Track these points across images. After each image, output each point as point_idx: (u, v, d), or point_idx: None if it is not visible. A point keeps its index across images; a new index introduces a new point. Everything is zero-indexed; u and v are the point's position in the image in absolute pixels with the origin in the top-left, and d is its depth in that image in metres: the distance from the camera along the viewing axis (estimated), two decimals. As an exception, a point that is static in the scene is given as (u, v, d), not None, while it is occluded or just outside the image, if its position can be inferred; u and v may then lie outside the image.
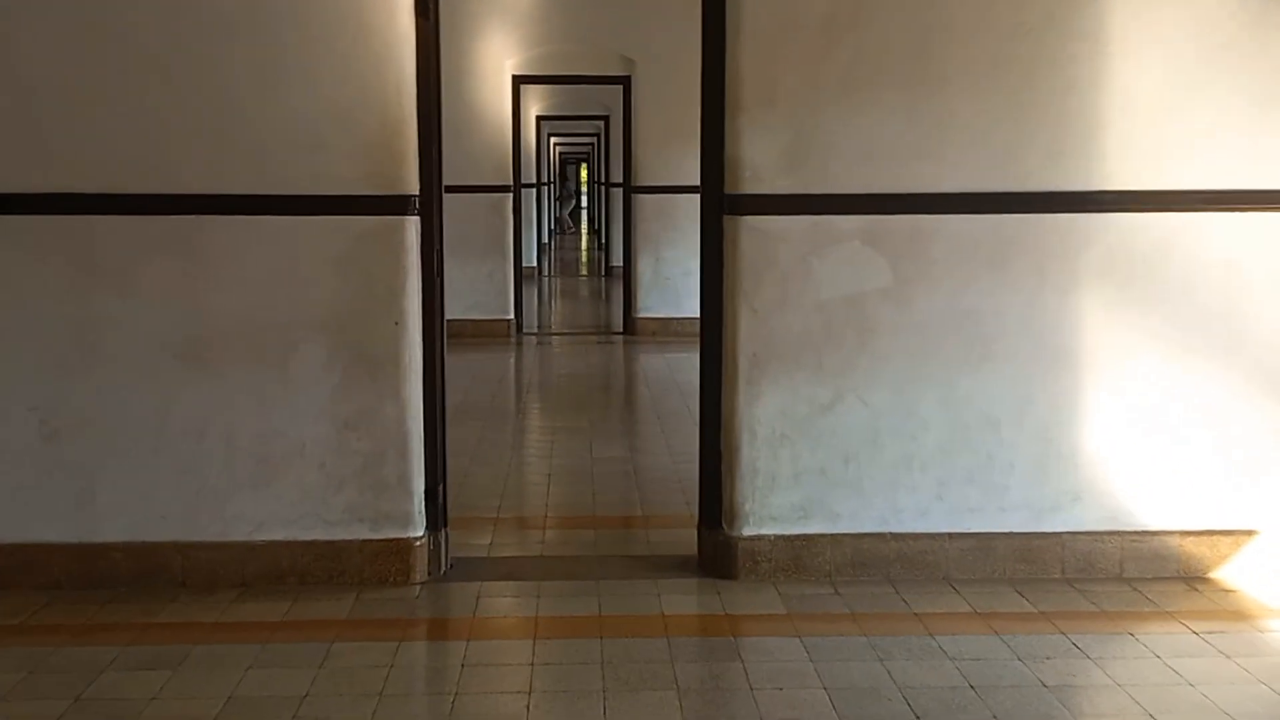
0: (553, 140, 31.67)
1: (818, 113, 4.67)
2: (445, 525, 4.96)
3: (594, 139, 26.18)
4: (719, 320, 4.89)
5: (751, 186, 4.72)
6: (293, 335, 4.67)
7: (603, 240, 24.28)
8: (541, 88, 19.32)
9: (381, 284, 4.66)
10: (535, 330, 13.07)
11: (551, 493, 6.22)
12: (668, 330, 12.28)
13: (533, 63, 12.74)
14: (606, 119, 20.05)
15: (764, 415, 4.77)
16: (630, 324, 12.44)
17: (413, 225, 4.70)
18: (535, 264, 20.05)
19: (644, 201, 12.28)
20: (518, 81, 12.45)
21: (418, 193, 4.72)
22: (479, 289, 12.24)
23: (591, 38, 12.82)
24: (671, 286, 12.32)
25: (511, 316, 12.34)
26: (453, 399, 9.11)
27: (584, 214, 47.54)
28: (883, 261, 4.73)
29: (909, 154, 4.69)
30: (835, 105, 4.67)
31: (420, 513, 4.81)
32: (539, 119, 20.58)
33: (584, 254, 28.64)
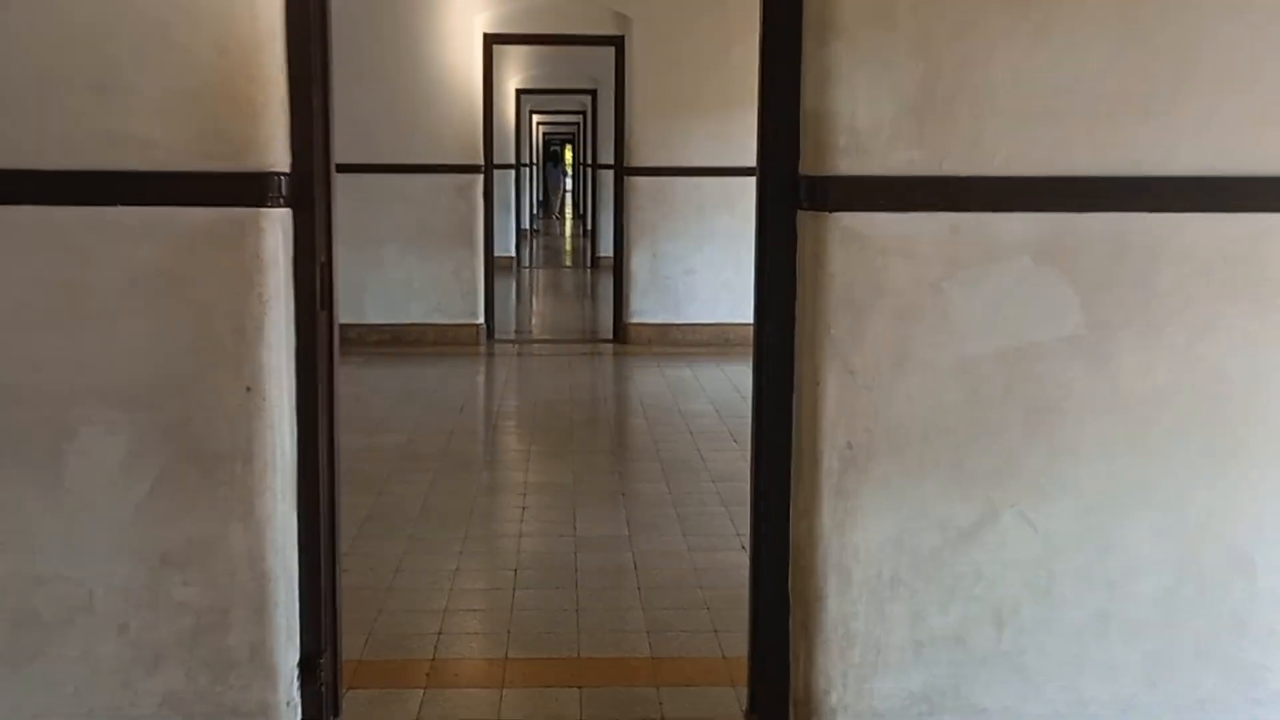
0: (535, 119, 29.70)
1: (967, 34, 2.75)
2: (336, 715, 3.03)
3: (580, 116, 24.23)
4: (787, 385, 2.96)
5: (850, 163, 2.79)
6: (69, 413, 2.74)
7: (588, 227, 22.36)
8: (521, 57, 17.36)
9: (223, 323, 2.73)
10: (510, 336, 11.13)
11: (516, 611, 4.29)
12: (666, 339, 10.36)
13: (508, 19, 10.77)
14: (594, 93, 18.09)
15: (865, 546, 2.86)
16: (622, 331, 10.51)
17: (277, 223, 2.77)
18: (514, 254, 18.10)
19: (639, 185, 10.34)
20: (490, 41, 10.48)
21: (288, 169, 2.80)
22: (442, 288, 10.30)
23: (578, -9, 10.92)
24: (671, 287, 10.39)
25: (481, 320, 10.40)
26: (397, 438, 7.24)
27: (568, 197, 45.61)
28: (1069, 293, 2.82)
29: (1119, 107, 2.77)
30: (998, 22, 2.75)
31: (291, 703, 2.89)
32: (519, 93, 18.59)
33: (568, 242, 26.68)
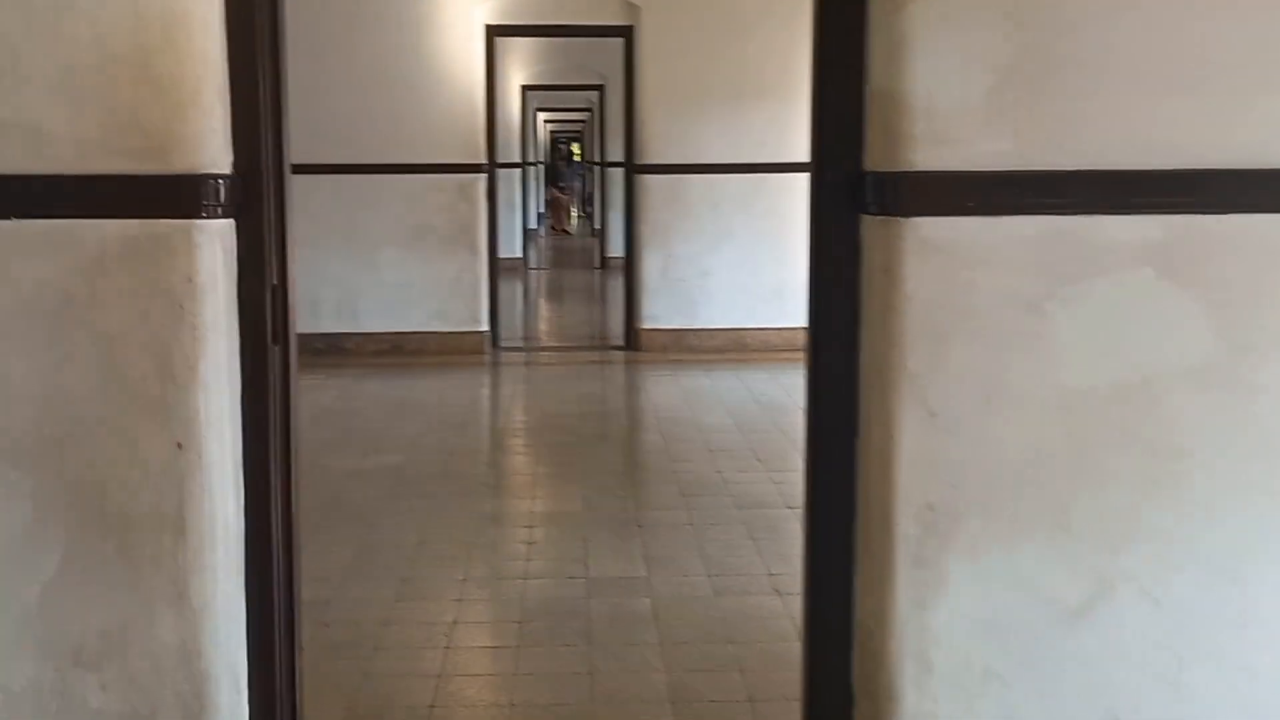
0: (541, 117, 29.15)
1: (1077, -7, 2.20)
2: (300, 836, 2.48)
3: (588, 113, 23.68)
4: (849, 429, 2.40)
5: (929, 155, 2.23)
6: (-48, 473, 2.19)
7: (596, 226, 21.81)
8: (526, 52, 16.82)
9: (145, 362, 2.18)
10: (516, 344, 10.56)
11: (521, 675, 3.73)
12: (680, 345, 9.80)
13: (510, 9, 10.21)
14: (602, 89, 17.54)
15: (949, 629, 2.30)
16: (633, 337, 9.95)
17: (215, 238, 2.22)
18: (520, 254, 17.55)
19: (651, 185, 9.78)
20: (492, 33, 9.92)
21: (228, 170, 2.24)
22: (442, 294, 9.75)
23: (584, -20, 10.38)
24: (685, 290, 9.83)
25: (485, 327, 9.85)
26: (393, 460, 6.69)
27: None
28: (1196, 310, 2.26)
29: (1261, 74, 2.22)
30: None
31: (240, 831, 2.33)
32: (525, 89, 18.03)
33: (576, 242, 26.10)
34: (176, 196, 2.14)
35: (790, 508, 5.41)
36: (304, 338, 9.14)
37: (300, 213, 8.06)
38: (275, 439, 2.30)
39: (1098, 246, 2.24)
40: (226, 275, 2.24)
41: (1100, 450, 2.28)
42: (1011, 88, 2.21)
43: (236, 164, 2.24)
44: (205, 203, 2.16)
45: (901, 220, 2.24)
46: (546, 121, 31.88)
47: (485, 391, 8.44)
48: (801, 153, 9.39)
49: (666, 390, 8.32)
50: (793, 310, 9.71)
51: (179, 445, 2.18)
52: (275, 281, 2.28)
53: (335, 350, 9.66)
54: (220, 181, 2.20)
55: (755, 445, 6.57)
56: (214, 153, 2.19)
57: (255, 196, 2.25)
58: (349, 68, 9.49)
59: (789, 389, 8.25)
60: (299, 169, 8.10)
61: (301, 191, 8.50)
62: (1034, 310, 2.25)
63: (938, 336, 2.25)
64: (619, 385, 8.70)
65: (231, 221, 2.24)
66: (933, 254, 2.24)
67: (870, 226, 2.34)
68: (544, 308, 14.16)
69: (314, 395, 8.08)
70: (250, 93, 2.22)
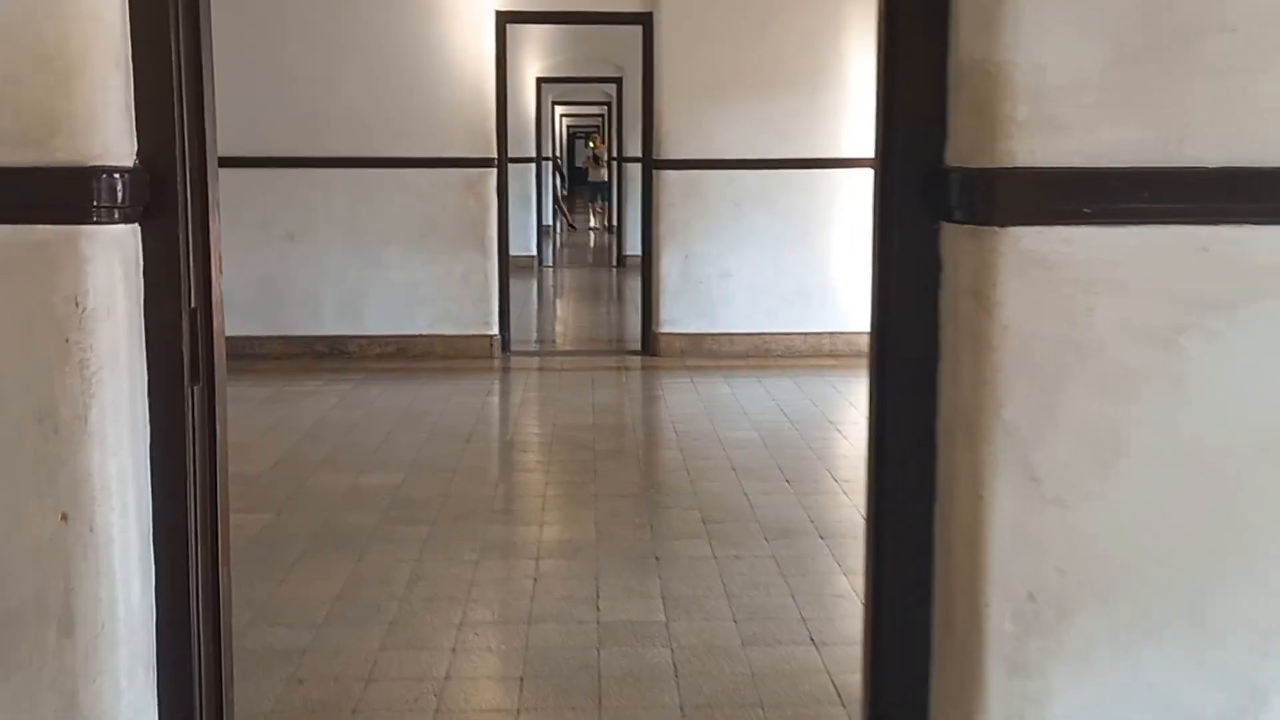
0: (559, 111, 28.67)
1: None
2: None
3: (605, 107, 23.18)
4: (925, 495, 1.89)
5: (1034, 146, 1.72)
6: None
7: (612, 223, 21.32)
8: (541, 43, 16.33)
9: (17, 408, 1.68)
10: (527, 348, 10.06)
11: (522, 741, 3.25)
12: (699, 350, 9.29)
13: (523, -5, 9.73)
14: (619, 81, 17.03)
15: (1055, 753, 1.79)
16: (651, 341, 9.45)
17: (113, 250, 1.72)
18: (534, 253, 17.06)
19: (670, 181, 9.27)
20: (503, 20, 9.41)
21: (130, 163, 1.74)
22: (449, 295, 9.26)
23: (601, -36, 9.89)
24: (705, 292, 9.32)
25: (495, 331, 9.35)
26: (390, 479, 5.91)
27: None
28: (1381, 349, 1.74)
29: None
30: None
31: None
32: (540, 81, 17.52)
33: (592, 239, 25.63)
34: (59, 195, 1.64)
35: (824, 537, 4.90)
36: (306, 340, 8.68)
37: (299, 208, 7.62)
38: (197, 504, 1.80)
39: (1253, 265, 1.73)
40: (128, 297, 1.74)
41: (1250, 525, 1.77)
42: (1144, 59, 1.70)
43: (142, 154, 1.75)
44: (97, 203, 1.67)
45: (997, 230, 1.73)
46: (564, 115, 31.41)
47: (493, 400, 7.94)
48: (829, 146, 8.89)
49: (686, 399, 7.81)
50: (818, 314, 9.20)
51: (64, 516, 1.68)
52: (195, 304, 1.79)
53: (338, 353, 9.19)
54: (119, 176, 1.70)
55: (783, 463, 6.06)
56: (110, 138, 1.70)
57: (168, 196, 1.76)
58: (351, 56, 9.01)
59: (816, 399, 7.74)
60: (295, 162, 7.64)
61: (300, 187, 8.02)
62: (1168, 345, 1.74)
63: (1043, 379, 1.74)
64: (635, 393, 8.19)
65: (135, 227, 1.75)
66: (1037, 273, 1.73)
67: (954, 237, 1.83)
68: (558, 309, 13.66)
69: (313, 403, 7.60)
70: (160, 62, 1.73)
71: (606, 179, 24.70)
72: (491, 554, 4.77)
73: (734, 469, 5.98)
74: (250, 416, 7.21)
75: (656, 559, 4.69)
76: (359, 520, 5.14)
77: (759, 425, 6.95)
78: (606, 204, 25.18)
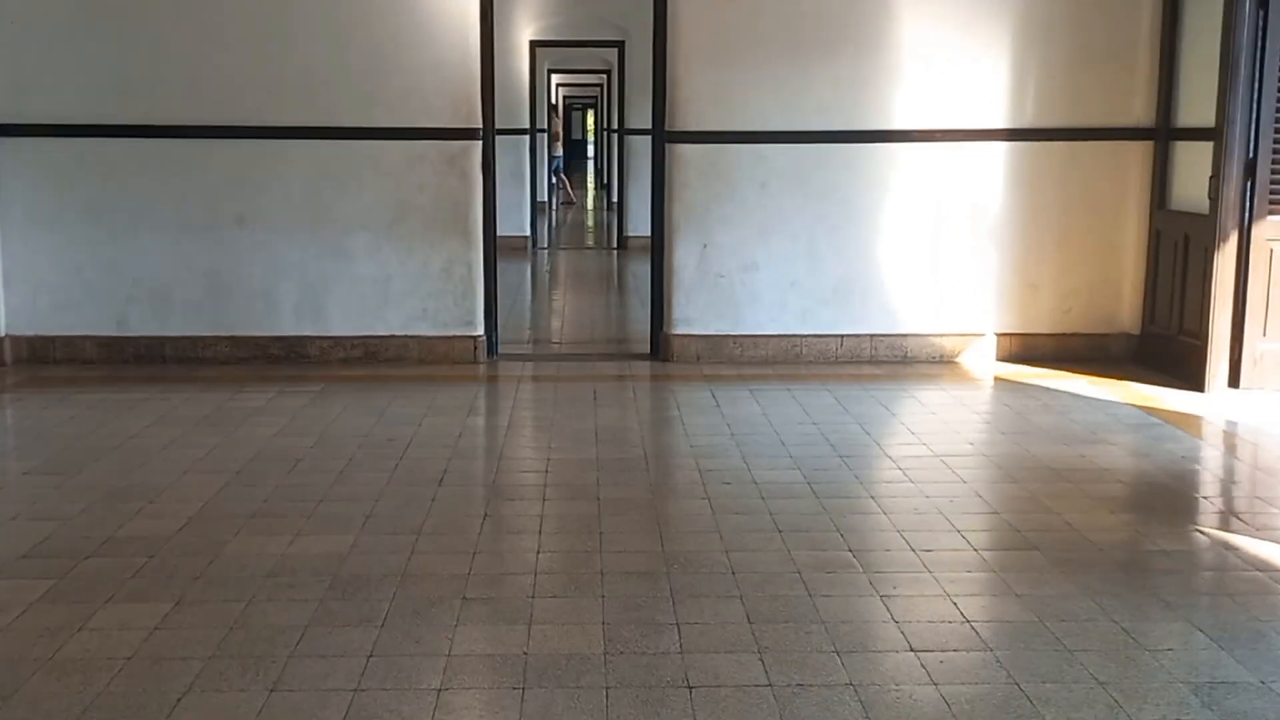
0: (554, 80, 27.25)
1: None
2: None
3: (604, 75, 21.78)
4: None
5: None
6: None
7: (613, 199, 19.97)
8: (535, 2, 14.91)
9: None
10: (517, 350, 8.70)
11: None
12: (718, 354, 7.95)
13: (514, -63, 8.32)
14: (622, 45, 15.62)
15: None
16: (661, 344, 8.09)
17: None
18: (528, 233, 15.68)
19: (686, 157, 7.89)
20: (490, -31, 8.02)
21: None
22: (427, 290, 7.91)
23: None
24: (726, 287, 7.97)
25: (480, 332, 8.00)
26: (336, 544, 4.21)
27: (589, 165, 43.47)
28: None
29: None
30: None
31: None
32: (534, 45, 16.08)
33: (590, 217, 24.25)
34: None
35: (917, 650, 3.56)
36: (258, 342, 7.19)
37: (249, 186, 6.16)
38: None
39: None
40: None
41: None
42: None
43: None
44: None
45: None
46: (560, 85, 30.00)
47: (476, 422, 6.57)
48: (877, 116, 7.43)
49: (707, 422, 6.46)
50: (858, 314, 7.86)
51: None
52: None
53: (295, 357, 7.84)
54: None
55: (843, 522, 4.73)
56: None
57: None
58: (314, 10, 7.63)
59: (866, 422, 6.40)
60: (245, 132, 6.10)
61: (251, 161, 6.57)
62: None
63: None
64: (645, 413, 6.83)
65: None
66: None
67: None
68: (553, 298, 12.26)
69: (257, 424, 6.27)
70: None
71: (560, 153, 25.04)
72: (460, 679, 3.42)
73: (780, 530, 4.64)
74: (177, 445, 5.87)
75: (689, 688, 3.35)
76: (284, 617, 3.80)
77: (802, 461, 5.61)
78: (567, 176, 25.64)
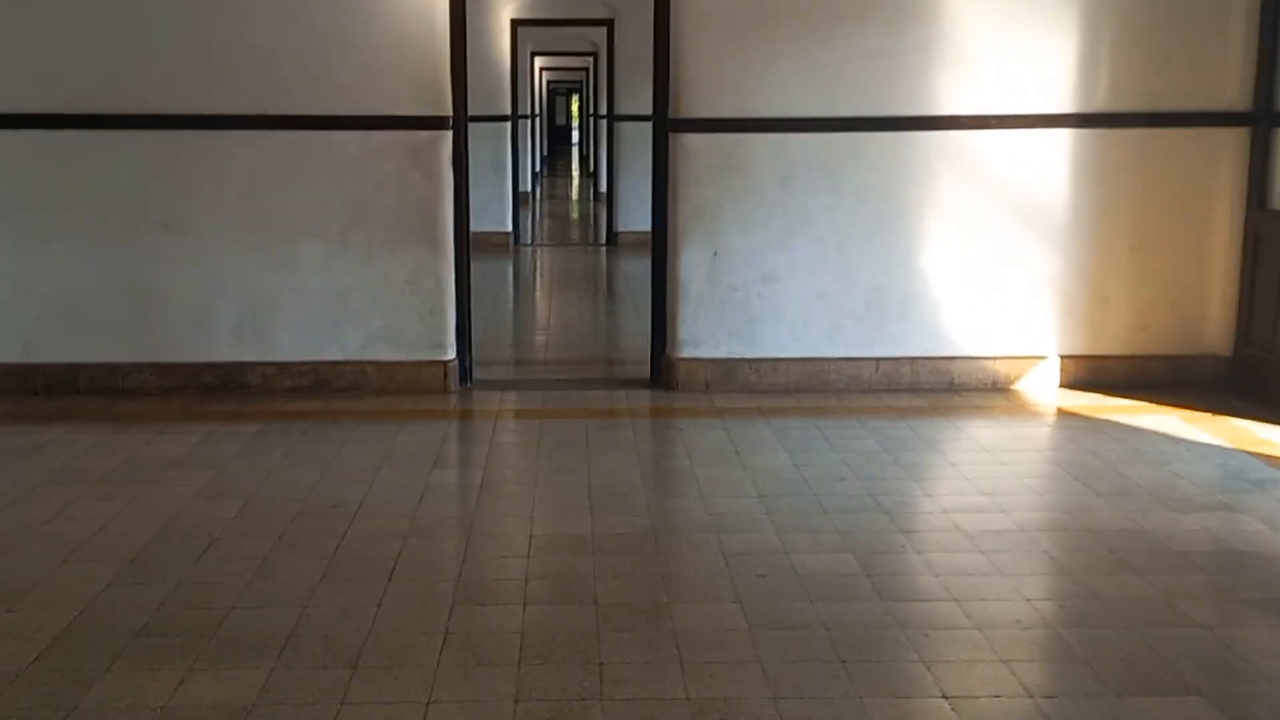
0: (538, 63, 26.04)
1: None
2: None
3: (590, 58, 20.58)
4: None
5: None
6: None
7: (600, 189, 18.78)
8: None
9: None
10: (498, 374, 7.49)
11: None
12: (732, 381, 6.77)
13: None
14: (610, 23, 14.40)
15: None
16: (665, 369, 6.90)
17: None
18: (510, 228, 14.47)
19: (694, 148, 6.68)
20: (462, -71, 6.79)
21: None
22: (389, 307, 6.72)
23: None
24: (741, 302, 6.78)
25: (450, 356, 6.80)
26: (236, 688, 2.54)
27: (574, 152, 42.52)
28: None
29: None
30: None
31: None
32: (515, 24, 14.81)
33: (576, 209, 23.02)
34: None
35: None
36: (189, 369, 5.32)
37: (178, 186, 4.67)
38: None
39: None
40: None
41: None
42: None
43: None
44: None
45: None
46: (544, 69, 28.81)
47: (442, 478, 5.35)
48: (920, 100, 5.72)
49: (726, 477, 5.26)
50: (896, 333, 6.68)
51: None
52: None
53: (232, 387, 6.64)
54: None
55: (929, 649, 3.54)
56: None
57: None
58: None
59: (925, 478, 5.21)
60: (172, 122, 4.48)
61: (180, 156, 4.87)
62: None
63: None
64: (648, 464, 5.61)
65: None
66: None
67: None
68: (536, 307, 11.02)
69: (170, 484, 5.07)
70: None
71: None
72: None
73: (843, 660, 3.46)
74: (65, 516, 4.66)
75: None
76: (145, 835, 2.57)
77: (853, 539, 4.43)
78: None
